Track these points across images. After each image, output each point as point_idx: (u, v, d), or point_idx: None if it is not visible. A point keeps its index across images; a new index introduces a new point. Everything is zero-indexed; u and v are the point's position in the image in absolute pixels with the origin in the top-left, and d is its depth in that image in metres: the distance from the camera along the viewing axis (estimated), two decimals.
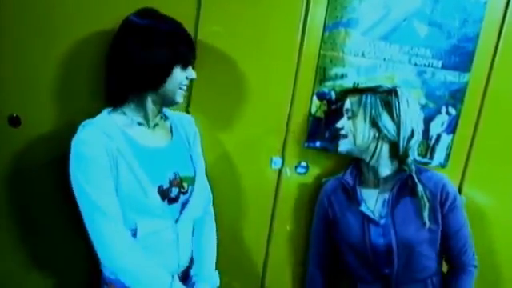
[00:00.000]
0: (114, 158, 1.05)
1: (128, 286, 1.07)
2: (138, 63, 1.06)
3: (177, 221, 1.15)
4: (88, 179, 1.03)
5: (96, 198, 1.02)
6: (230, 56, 1.33)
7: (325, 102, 1.36)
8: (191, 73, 1.15)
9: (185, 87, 1.15)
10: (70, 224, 1.42)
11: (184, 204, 1.17)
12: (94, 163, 1.03)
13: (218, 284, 1.25)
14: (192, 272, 1.23)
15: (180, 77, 1.10)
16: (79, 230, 1.39)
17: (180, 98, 1.14)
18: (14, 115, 1.36)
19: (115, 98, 1.14)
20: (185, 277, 1.22)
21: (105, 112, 1.13)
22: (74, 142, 1.05)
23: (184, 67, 1.11)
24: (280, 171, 1.42)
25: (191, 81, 1.17)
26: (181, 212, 1.16)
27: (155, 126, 1.18)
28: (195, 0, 1.30)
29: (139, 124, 1.14)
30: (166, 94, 1.11)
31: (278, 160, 1.41)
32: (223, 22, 1.32)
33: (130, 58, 1.06)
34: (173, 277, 1.11)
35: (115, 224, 1.04)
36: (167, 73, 1.08)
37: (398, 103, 1.21)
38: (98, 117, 1.11)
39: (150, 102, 1.13)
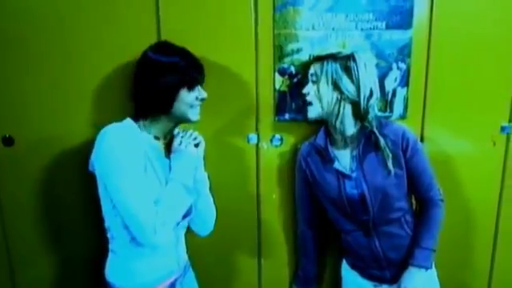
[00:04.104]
0: (144, 161, 1.17)
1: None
2: (149, 90, 1.20)
3: (177, 224, 1.28)
4: (127, 178, 1.12)
5: (137, 199, 1.12)
6: (194, 48, 1.40)
7: (286, 76, 1.48)
8: (201, 93, 1.26)
9: (197, 106, 1.26)
10: (69, 229, 1.58)
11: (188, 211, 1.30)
12: (133, 162, 1.13)
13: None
14: None
15: (187, 98, 1.22)
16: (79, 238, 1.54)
17: (194, 116, 1.26)
18: (7, 136, 1.48)
19: (137, 114, 1.26)
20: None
21: (128, 120, 1.24)
22: (109, 145, 1.13)
23: (190, 89, 1.22)
24: (257, 146, 1.54)
25: (202, 100, 1.27)
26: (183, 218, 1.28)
27: (168, 142, 1.30)
28: (154, 2, 1.41)
29: (155, 138, 1.26)
30: (178, 115, 1.23)
31: (253, 136, 1.53)
32: (182, 18, 1.43)
33: (143, 87, 1.22)
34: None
35: (152, 215, 1.13)
36: (173, 96, 1.20)
37: (356, 67, 1.31)
38: (125, 123, 1.22)
39: (164, 122, 1.25)
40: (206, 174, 1.37)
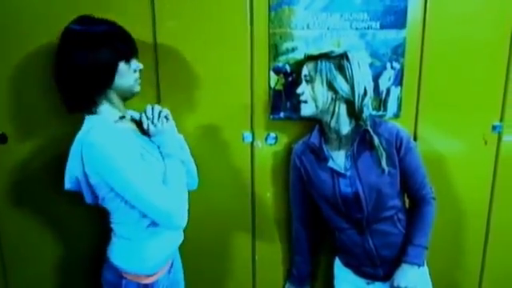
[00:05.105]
0: (135, 146, 1.16)
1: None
2: (85, 67, 1.12)
3: None
4: (134, 175, 1.10)
5: (147, 185, 1.12)
6: (190, 47, 1.45)
7: (281, 75, 1.49)
8: (137, 64, 1.22)
9: (137, 77, 1.22)
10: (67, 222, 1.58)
11: None
12: (129, 157, 1.12)
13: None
14: None
15: (127, 70, 1.18)
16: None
17: (137, 88, 1.23)
18: (0, 133, 1.47)
19: (85, 104, 1.18)
20: None
21: (88, 118, 1.19)
22: (100, 152, 1.09)
23: (127, 61, 1.18)
24: (252, 144, 1.55)
25: (140, 71, 1.23)
26: None
27: (130, 119, 1.28)
28: (149, 2, 1.41)
29: (121, 118, 1.22)
30: (122, 89, 1.20)
31: (248, 135, 1.53)
32: (177, 17, 1.43)
33: (77, 65, 1.12)
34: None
35: (173, 201, 1.16)
36: (113, 70, 1.15)
37: (350, 65, 1.32)
38: (91, 124, 1.16)
39: (115, 98, 1.21)
40: (181, 137, 1.35)
